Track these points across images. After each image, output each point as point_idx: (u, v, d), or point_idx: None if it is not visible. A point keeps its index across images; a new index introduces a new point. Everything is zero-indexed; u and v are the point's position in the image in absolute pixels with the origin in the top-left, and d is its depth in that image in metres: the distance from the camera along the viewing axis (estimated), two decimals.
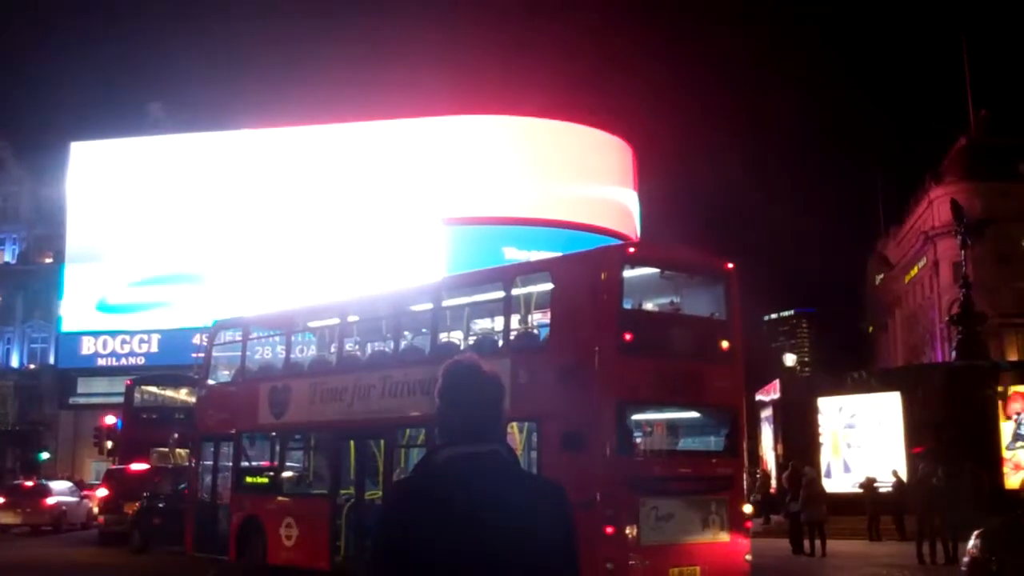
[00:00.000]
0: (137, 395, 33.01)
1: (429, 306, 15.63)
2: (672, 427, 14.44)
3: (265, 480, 18.13)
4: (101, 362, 46.39)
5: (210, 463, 19.36)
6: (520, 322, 14.53)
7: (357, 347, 17.61)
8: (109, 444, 32.87)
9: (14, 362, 54.62)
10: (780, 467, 29.28)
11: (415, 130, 43.54)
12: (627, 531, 12.01)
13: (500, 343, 14.24)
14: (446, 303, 15.66)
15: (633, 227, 47.06)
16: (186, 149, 46.78)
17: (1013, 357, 47.54)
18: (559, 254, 19.80)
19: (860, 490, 24.55)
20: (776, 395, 32.45)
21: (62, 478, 37.75)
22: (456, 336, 15.70)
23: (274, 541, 16.73)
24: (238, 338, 19.74)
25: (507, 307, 14.14)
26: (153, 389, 33.90)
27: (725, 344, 13.50)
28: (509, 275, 15.29)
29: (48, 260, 53.40)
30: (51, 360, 51.94)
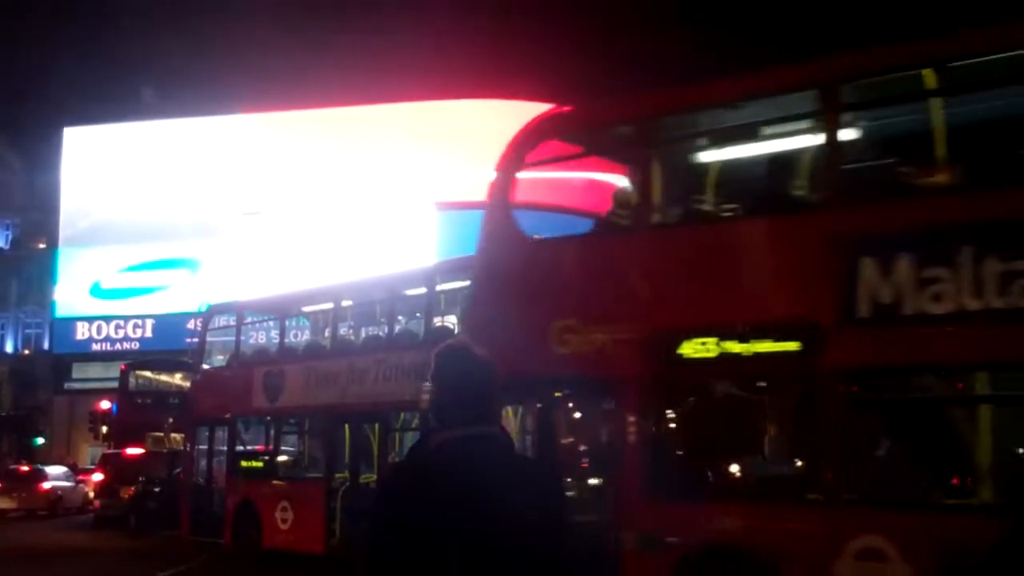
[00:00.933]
0: (132, 380, 33.04)
1: (423, 291, 15.69)
2: None
3: (260, 464, 18.23)
4: (96, 347, 46.37)
5: (205, 447, 19.45)
6: None
7: (351, 331, 17.68)
8: (104, 429, 32.90)
9: (8, 348, 54.56)
10: None
11: (407, 114, 43.43)
12: None
13: None
14: (440, 287, 15.72)
15: None
16: (179, 134, 46.67)
17: None
18: None
19: None
20: None
21: (58, 462, 37.78)
22: (450, 320, 15.78)
23: (269, 524, 16.83)
24: (232, 323, 19.81)
25: None
26: (148, 374, 33.93)
27: None
28: None
29: (42, 246, 53.28)
30: (46, 346, 51.88)
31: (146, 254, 45.47)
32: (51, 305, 49.63)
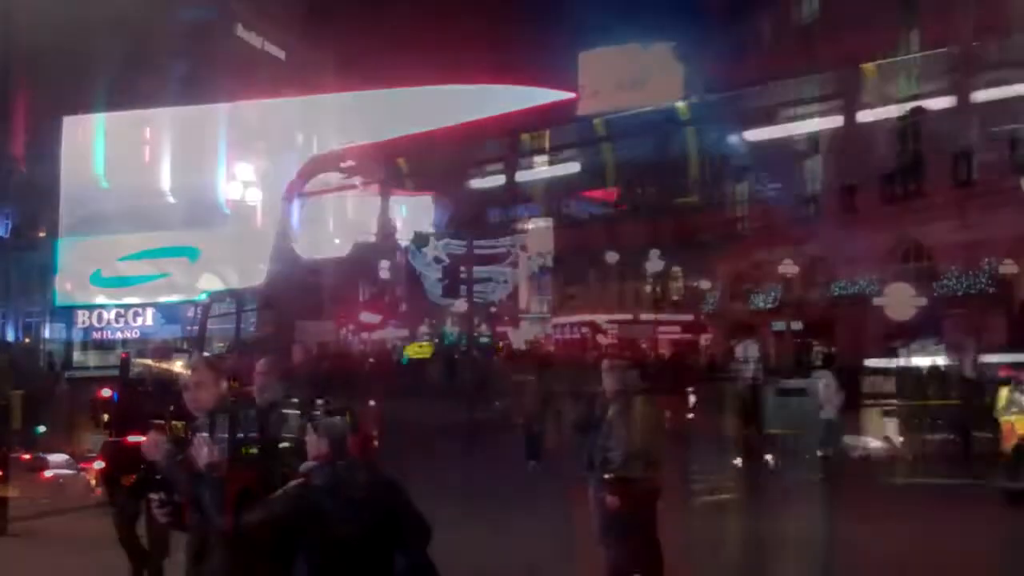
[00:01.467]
0: (132, 368, 33.06)
1: None
2: None
3: (261, 451, 18.29)
4: (96, 335, 46.45)
5: (205, 435, 19.52)
6: None
7: None
8: (105, 417, 32.88)
9: (9, 336, 54.61)
10: None
11: (407, 100, 43.44)
12: None
13: None
14: None
15: None
16: (178, 122, 46.64)
17: None
18: None
19: None
20: None
21: (61, 450, 37.80)
22: None
23: None
24: (232, 310, 19.86)
25: None
26: (148, 362, 33.95)
27: None
28: None
29: (42, 235, 53.26)
30: (46, 334, 51.96)
31: (146, 243, 45.44)
32: (52, 294, 49.68)
